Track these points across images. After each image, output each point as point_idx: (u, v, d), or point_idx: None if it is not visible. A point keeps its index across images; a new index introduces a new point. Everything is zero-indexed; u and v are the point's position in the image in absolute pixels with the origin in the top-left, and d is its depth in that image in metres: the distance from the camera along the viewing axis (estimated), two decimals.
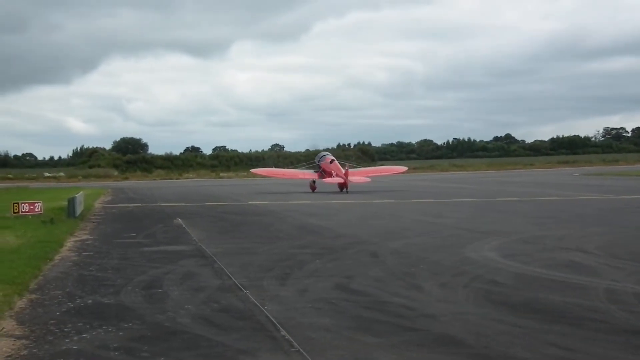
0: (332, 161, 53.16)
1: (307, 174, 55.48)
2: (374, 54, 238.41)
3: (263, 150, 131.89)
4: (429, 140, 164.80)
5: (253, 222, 26.99)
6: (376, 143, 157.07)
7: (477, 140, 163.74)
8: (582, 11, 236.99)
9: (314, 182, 52.60)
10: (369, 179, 53.52)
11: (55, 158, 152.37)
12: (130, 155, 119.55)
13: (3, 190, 58.15)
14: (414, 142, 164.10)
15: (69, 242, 20.77)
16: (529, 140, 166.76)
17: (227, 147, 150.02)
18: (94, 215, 31.79)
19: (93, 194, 50.01)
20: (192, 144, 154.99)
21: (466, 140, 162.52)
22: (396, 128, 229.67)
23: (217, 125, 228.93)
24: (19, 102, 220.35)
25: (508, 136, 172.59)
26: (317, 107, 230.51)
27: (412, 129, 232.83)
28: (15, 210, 28.23)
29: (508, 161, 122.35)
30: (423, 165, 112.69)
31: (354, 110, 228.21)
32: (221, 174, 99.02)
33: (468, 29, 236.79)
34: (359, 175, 52.33)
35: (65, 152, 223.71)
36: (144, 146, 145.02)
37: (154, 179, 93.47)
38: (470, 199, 38.63)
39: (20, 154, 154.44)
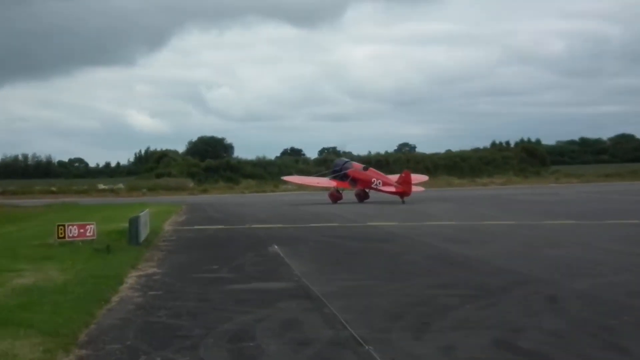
0: (365, 168, 63.27)
1: (339, 183, 63.46)
2: (547, 16, 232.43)
3: (387, 152, 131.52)
4: (628, 135, 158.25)
5: (375, 250, 27.02)
6: (549, 140, 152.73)
7: None
8: None
9: (338, 191, 62.33)
10: (423, 188, 64.05)
11: (113, 164, 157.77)
12: (210, 160, 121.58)
13: (44, 207, 60.25)
14: (605, 139, 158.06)
15: (131, 278, 21.30)
16: None
17: (338, 149, 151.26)
18: (163, 240, 32.60)
19: (162, 212, 51.38)
20: (292, 145, 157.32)
21: None
22: (579, 119, 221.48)
23: (325, 119, 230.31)
24: (66, 91, 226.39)
25: None
26: (463, 91, 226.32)
27: (604, 119, 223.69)
28: (60, 235, 28.95)
29: None
30: (620, 171, 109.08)
31: (516, 95, 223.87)
32: None
33: None
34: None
35: (125, 157, 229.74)
36: (229, 148, 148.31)
37: (242, 192, 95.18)
38: None
39: (66, 160, 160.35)
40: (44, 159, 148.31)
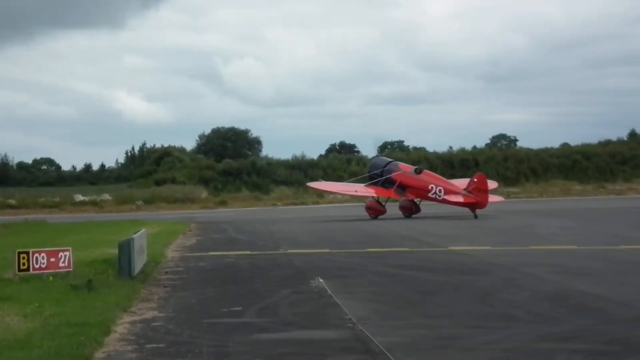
0: (418, 170, 65.58)
1: (381, 191, 65.90)
2: None
3: (476, 147, 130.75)
4: None
5: (461, 285, 27.04)
6: None
7: None
8: None
9: (379, 201, 64.72)
10: (502, 198, 69.72)
11: (95, 167, 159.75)
12: (230, 160, 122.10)
13: None
14: None
15: (122, 325, 21.31)
16: None
17: (405, 143, 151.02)
18: (166, 272, 32.75)
19: (164, 232, 51.65)
20: (342, 139, 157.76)
21: None
22: None
23: (388, 102, 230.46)
24: (27, 64, 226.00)
25: None
26: (587, 60, 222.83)
27: None
28: (22, 267, 28.83)
29: None
30: None
31: None
32: None
33: None
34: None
35: (112, 157, 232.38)
36: (254, 143, 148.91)
37: (274, 204, 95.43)
38: None
39: (30, 161, 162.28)
40: None
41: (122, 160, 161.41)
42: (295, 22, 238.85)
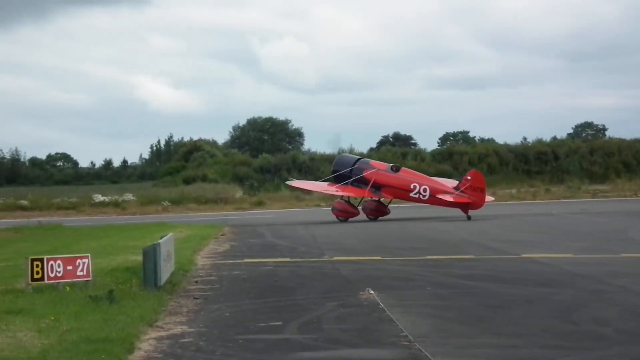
0: (396, 168, 67.22)
1: (355, 190, 66.84)
2: None
3: (556, 137, 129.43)
4: None
5: (536, 298, 26.95)
6: None
7: None
8: None
9: (349, 202, 66.44)
10: (492, 197, 71.29)
11: (116, 164, 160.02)
12: (267, 155, 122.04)
13: (10, 232, 60.90)
14: None
15: (147, 341, 21.49)
16: None
17: (471, 134, 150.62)
18: (197, 282, 32.99)
19: (193, 237, 51.73)
20: (397, 130, 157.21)
21: None
22: None
23: (450, 86, 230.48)
24: (40, 46, 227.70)
25: None
26: None
27: None
28: (36, 276, 28.91)
29: None
30: None
31: None
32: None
33: None
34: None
35: (135, 152, 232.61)
36: (296, 136, 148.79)
37: (318, 205, 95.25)
38: None
39: (44, 157, 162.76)
40: (8, 156, 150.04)
41: (146, 155, 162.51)
42: None
